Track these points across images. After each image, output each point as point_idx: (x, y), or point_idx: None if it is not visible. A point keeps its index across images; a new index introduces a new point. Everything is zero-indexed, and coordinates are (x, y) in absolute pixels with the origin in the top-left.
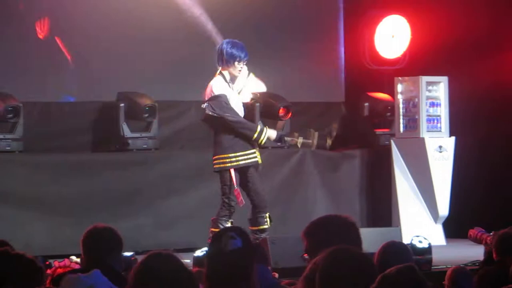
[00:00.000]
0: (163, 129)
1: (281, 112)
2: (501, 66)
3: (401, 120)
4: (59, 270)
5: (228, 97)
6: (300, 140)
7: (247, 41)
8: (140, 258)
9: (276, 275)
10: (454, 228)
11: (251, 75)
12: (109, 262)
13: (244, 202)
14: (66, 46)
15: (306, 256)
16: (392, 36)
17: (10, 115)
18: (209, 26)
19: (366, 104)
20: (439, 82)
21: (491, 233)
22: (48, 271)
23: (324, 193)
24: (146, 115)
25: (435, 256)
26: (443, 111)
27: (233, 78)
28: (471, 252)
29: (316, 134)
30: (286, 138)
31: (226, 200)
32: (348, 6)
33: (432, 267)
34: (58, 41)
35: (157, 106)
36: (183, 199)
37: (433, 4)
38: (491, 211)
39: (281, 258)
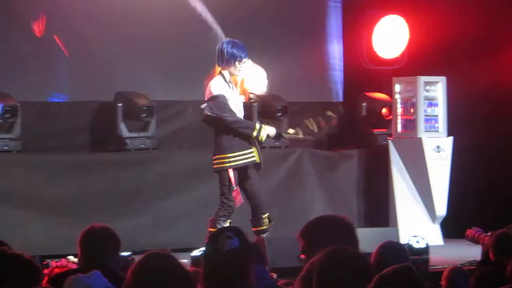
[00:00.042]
0: (161, 129)
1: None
2: (499, 66)
3: (398, 120)
4: (56, 270)
5: (227, 97)
6: (300, 131)
7: (245, 41)
8: (137, 258)
9: (275, 275)
10: (451, 228)
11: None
12: (106, 262)
13: (243, 201)
14: (64, 45)
15: (302, 257)
16: (390, 36)
17: (8, 115)
18: (213, 24)
19: (364, 104)
20: (437, 82)
21: (489, 233)
22: (45, 271)
23: (321, 193)
24: (144, 115)
25: (433, 256)
26: (441, 111)
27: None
28: (469, 252)
29: (311, 119)
30: (288, 131)
31: (225, 200)
32: (346, 6)
33: (429, 267)
34: (56, 40)
35: (155, 106)
36: (181, 199)
37: (431, 4)
38: (488, 211)
39: (278, 258)
